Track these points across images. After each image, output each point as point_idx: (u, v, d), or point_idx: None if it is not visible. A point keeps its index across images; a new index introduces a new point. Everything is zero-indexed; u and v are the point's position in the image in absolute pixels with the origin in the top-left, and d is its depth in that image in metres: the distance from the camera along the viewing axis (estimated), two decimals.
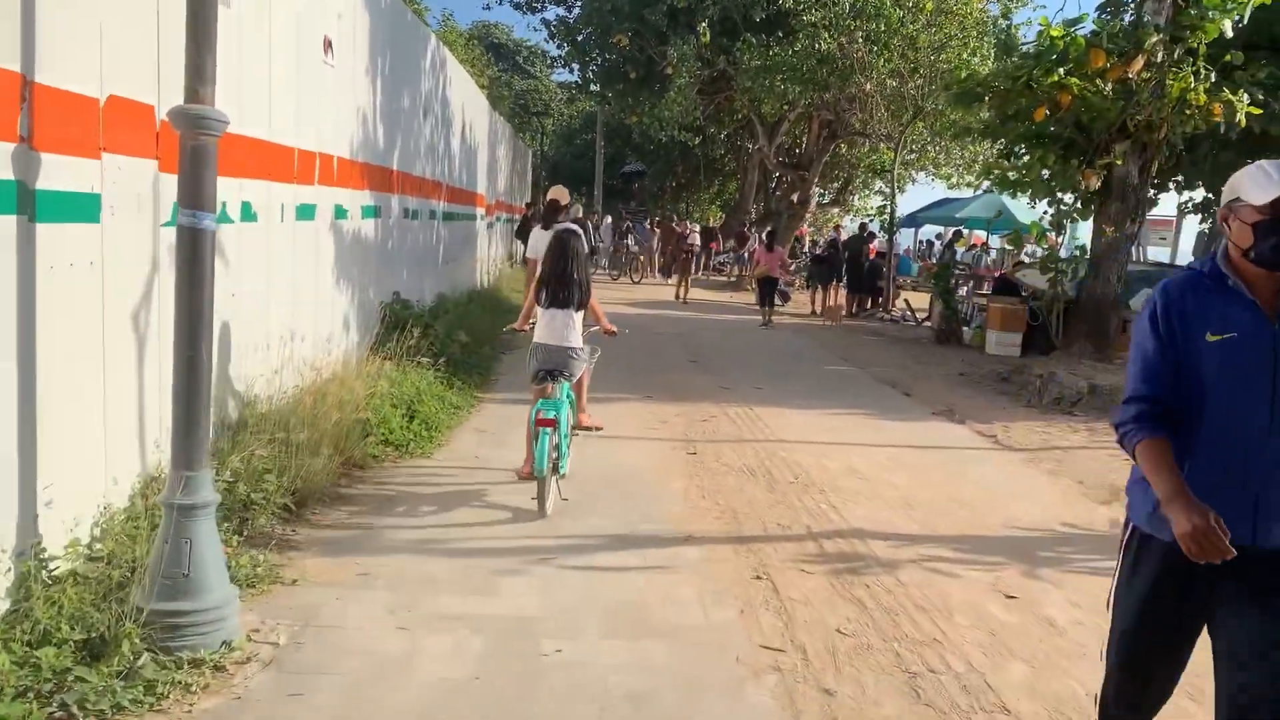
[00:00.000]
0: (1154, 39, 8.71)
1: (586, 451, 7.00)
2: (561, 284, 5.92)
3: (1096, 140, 10.05)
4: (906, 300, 19.13)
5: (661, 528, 5.38)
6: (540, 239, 7.53)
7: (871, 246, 20.47)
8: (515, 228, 25.11)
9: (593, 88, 27.42)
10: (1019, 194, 11.45)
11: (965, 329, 15.97)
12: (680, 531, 5.33)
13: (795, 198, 26.18)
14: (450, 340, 9.35)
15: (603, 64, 25.73)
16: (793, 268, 27.34)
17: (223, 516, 4.46)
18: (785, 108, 20.44)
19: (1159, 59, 8.90)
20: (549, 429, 5.44)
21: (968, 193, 32.21)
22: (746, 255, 24.92)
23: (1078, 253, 10.90)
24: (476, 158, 15.92)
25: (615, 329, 6.76)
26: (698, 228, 21.52)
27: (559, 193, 8.27)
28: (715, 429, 8.11)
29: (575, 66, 26.70)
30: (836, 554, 5.10)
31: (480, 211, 16.80)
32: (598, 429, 7.09)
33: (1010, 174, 10.81)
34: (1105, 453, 7.94)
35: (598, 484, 6.17)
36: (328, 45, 7.03)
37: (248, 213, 5.53)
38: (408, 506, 5.52)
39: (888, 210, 18.77)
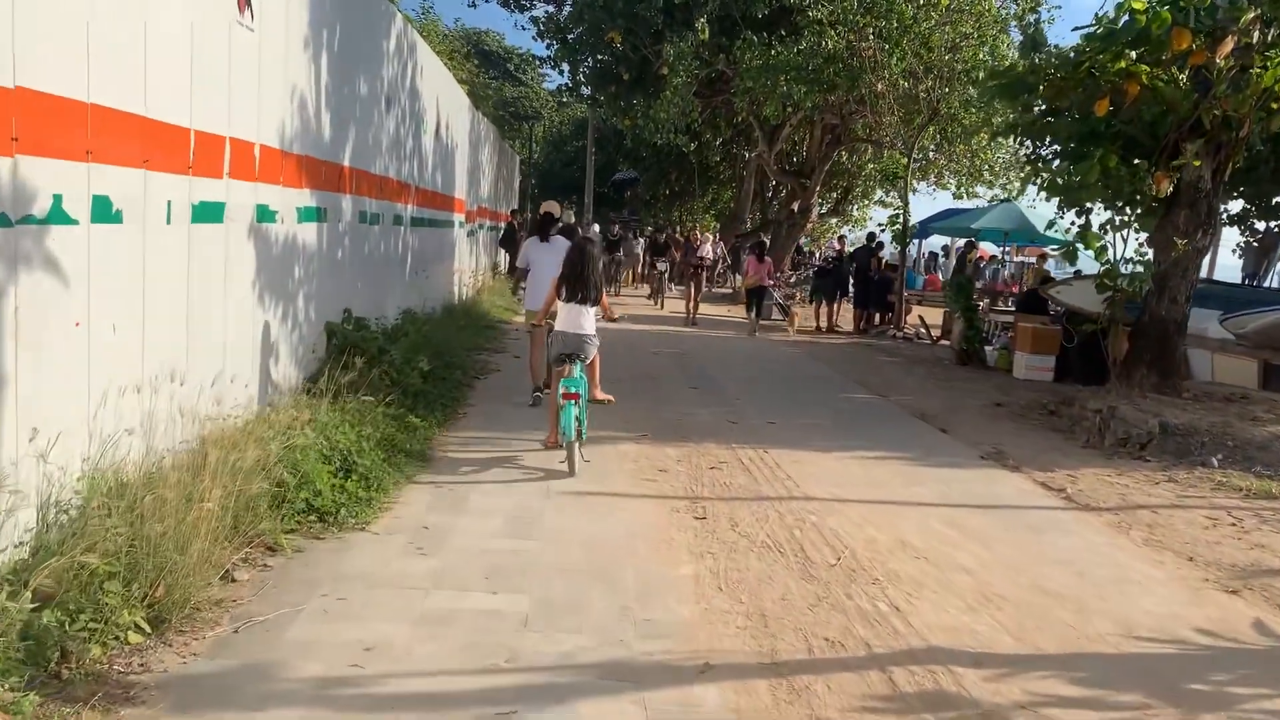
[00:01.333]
0: (1249, 16, 7.32)
1: (567, 518, 5.54)
2: (580, 283, 6.86)
3: (1164, 139, 8.65)
4: (921, 317, 17.72)
5: (667, 648, 3.91)
6: (533, 248, 8.58)
7: (879, 258, 19.07)
8: (499, 236, 23.70)
9: (583, 90, 25.97)
10: (1063, 201, 10.00)
11: (988, 349, 14.59)
12: (693, 655, 3.86)
13: (795, 207, 24.83)
14: (409, 367, 7.87)
15: (594, 65, 24.32)
16: (792, 279, 26.00)
17: (20, 659, 2.99)
18: (789, 110, 19.06)
19: (1253, 40, 7.51)
20: (573, 401, 6.48)
21: (971, 203, 31.03)
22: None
23: (1140, 268, 9.46)
24: (454, 159, 14.47)
25: (616, 315, 8.02)
26: (709, 238, 19.15)
27: (551, 206, 9.32)
28: (727, 480, 6.65)
29: (565, 67, 25.28)
30: (916, 694, 3.63)
31: (459, 218, 15.35)
32: (610, 401, 7.57)
33: (1059, 178, 9.39)
34: (1202, 514, 6.52)
35: (580, 574, 4.69)
36: (244, 2, 5.58)
37: (103, 211, 4.06)
38: (314, 624, 4.04)
39: (899, 220, 17.35)
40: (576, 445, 6.55)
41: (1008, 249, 27.59)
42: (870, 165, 29.38)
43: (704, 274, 19.22)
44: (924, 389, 11.67)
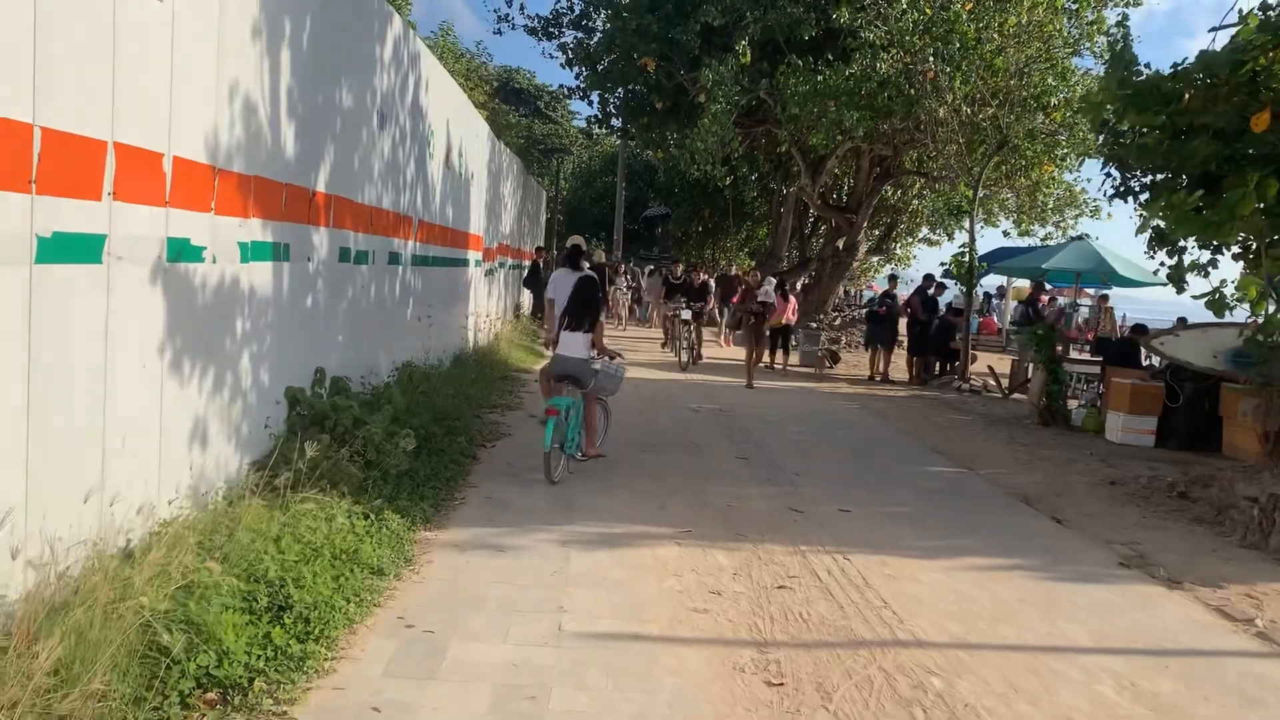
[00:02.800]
0: None
1: (586, 693, 3.84)
2: (576, 311, 7.53)
3: None
4: (990, 367, 15.88)
5: None
6: (561, 279, 8.50)
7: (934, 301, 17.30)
8: (524, 275, 22.23)
9: (614, 122, 24.55)
10: (1198, 239, 8.27)
11: (1071, 406, 12.78)
12: None
13: (840, 244, 23.16)
14: (391, 443, 6.24)
15: (625, 94, 22.91)
16: (837, 321, 24.25)
17: None
18: (838, 139, 17.46)
19: None
20: (553, 418, 7.06)
21: (1024, 241, 29.26)
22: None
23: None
24: (469, 191, 12.96)
25: (613, 352, 8.04)
26: (773, 280, 16.13)
27: (578, 239, 10.06)
28: (803, 609, 4.93)
29: (594, 98, 23.90)
30: None
31: (474, 256, 13.82)
32: (599, 456, 7.98)
33: (1189, 209, 7.65)
34: None
35: None
36: None
37: None
38: None
39: (963, 258, 15.58)
40: (562, 457, 7.38)
41: (1081, 292, 25.84)
42: (920, 201, 27.80)
43: (764, 324, 15.77)
44: (1014, 458, 9.87)
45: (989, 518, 7.25)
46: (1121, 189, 11.56)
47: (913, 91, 15.98)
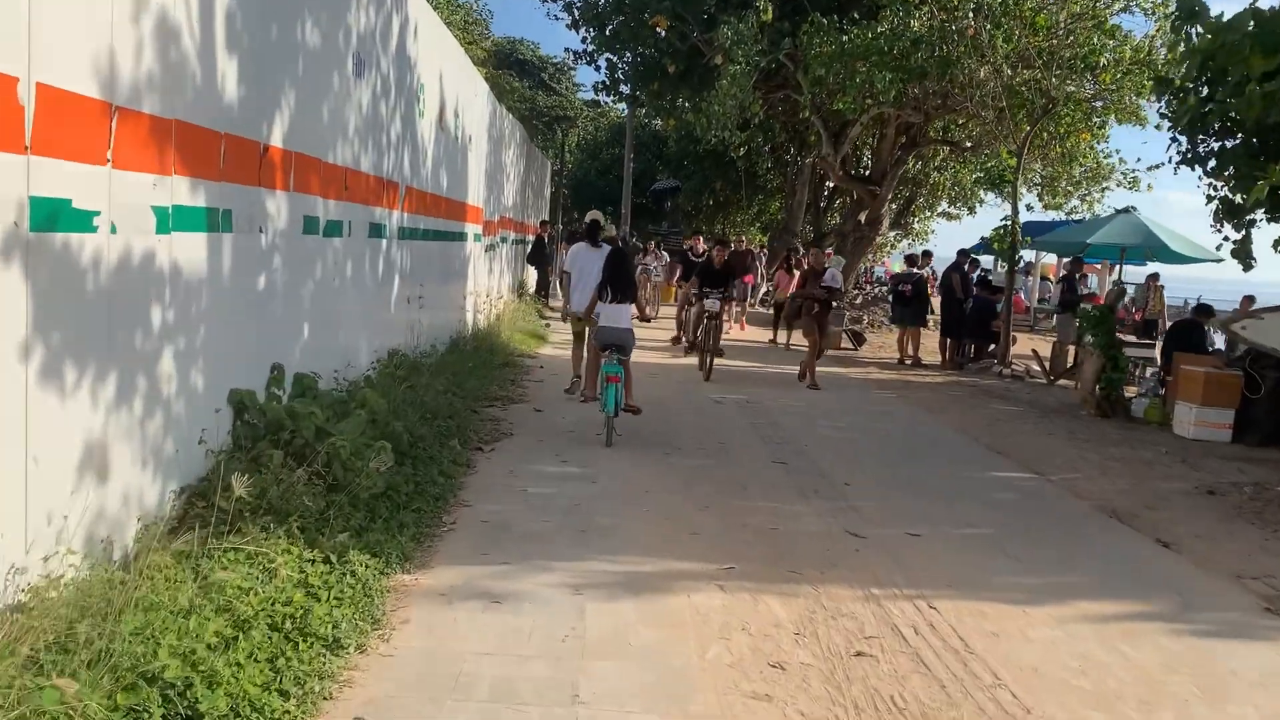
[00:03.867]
0: None
1: None
2: (619, 284, 8.00)
3: None
4: (1035, 351, 14.59)
5: None
6: (582, 254, 9.18)
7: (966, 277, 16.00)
8: (528, 250, 20.98)
9: (622, 88, 23.17)
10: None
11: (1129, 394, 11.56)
12: None
13: (862, 218, 21.84)
14: (361, 459, 5.03)
15: (635, 57, 21.55)
16: (858, 300, 22.99)
17: None
18: (868, 104, 16.13)
19: None
20: (614, 384, 7.62)
21: (1048, 215, 27.97)
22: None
23: None
24: (466, 157, 11.71)
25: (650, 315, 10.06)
26: (832, 256, 13.28)
27: (597, 214, 9.94)
28: (895, 694, 3.73)
29: (603, 62, 22.53)
30: None
31: (473, 229, 12.58)
32: (636, 411, 7.96)
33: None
34: None
35: None
36: None
37: None
38: None
39: (1004, 232, 14.22)
40: (613, 421, 7.67)
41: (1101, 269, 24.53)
42: (941, 174, 26.46)
43: (828, 313, 12.76)
44: (1083, 459, 8.66)
45: (1084, 543, 6.05)
46: (1189, 155, 10.32)
47: (949, 51, 14.65)
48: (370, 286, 7.44)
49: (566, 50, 23.74)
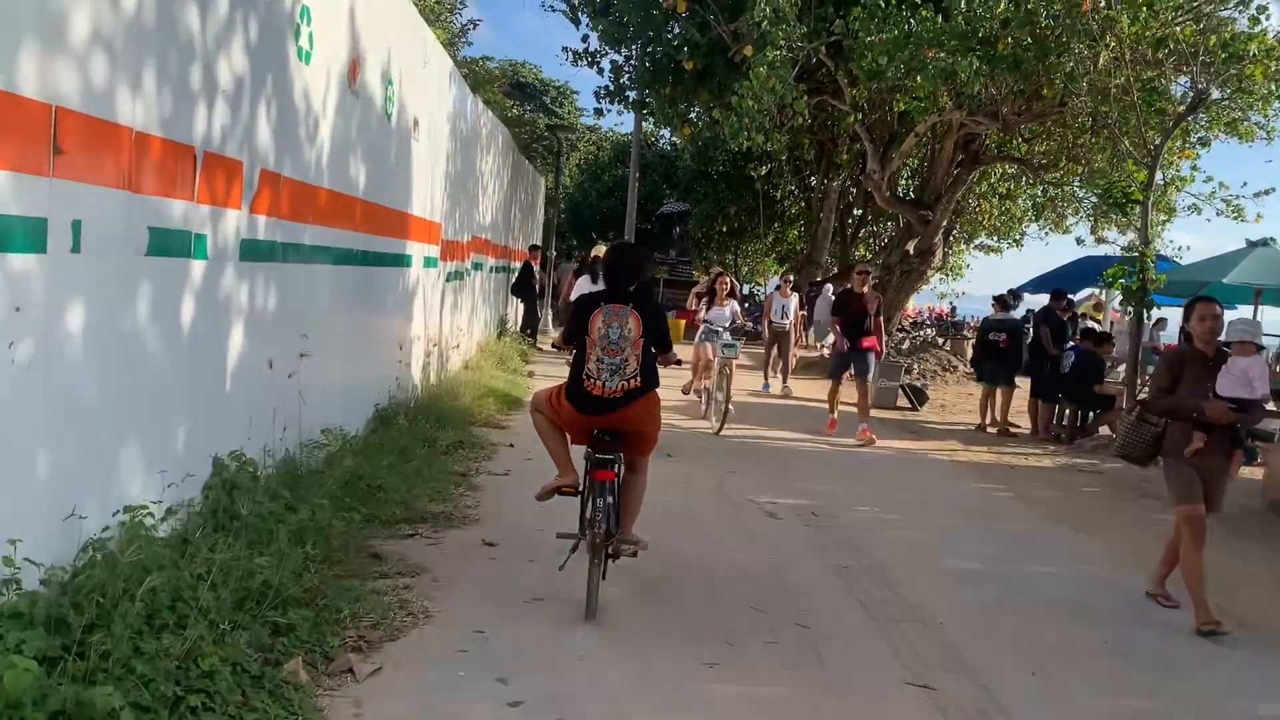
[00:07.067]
0: None
1: None
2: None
3: None
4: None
5: None
6: (586, 288, 9.54)
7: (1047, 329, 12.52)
8: (513, 279, 17.56)
9: (629, 94, 19.79)
10: None
11: None
12: None
13: (911, 247, 18.42)
14: None
15: (644, 56, 18.20)
16: (904, 344, 19.46)
17: None
18: (943, 101, 12.77)
19: None
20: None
21: (1101, 250, 24.56)
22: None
23: None
24: (409, 148, 8.25)
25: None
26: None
27: (601, 250, 9.94)
28: None
29: (606, 64, 19.21)
30: None
31: (424, 251, 9.10)
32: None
33: None
34: None
35: None
36: None
37: None
38: None
39: (1135, 266, 10.63)
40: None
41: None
42: (990, 200, 23.16)
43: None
44: None
45: None
46: None
47: (1056, 32, 11.27)
48: (152, 351, 3.91)
49: (565, 49, 20.23)
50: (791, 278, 17.19)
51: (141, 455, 3.78)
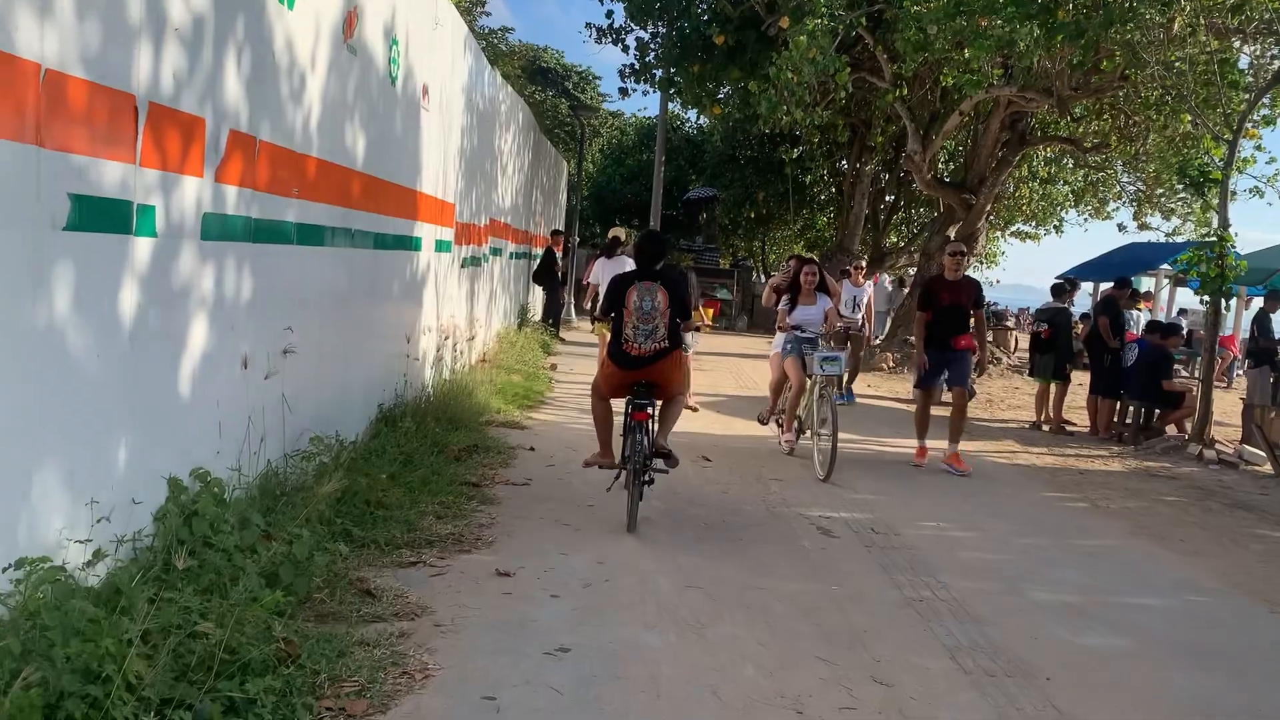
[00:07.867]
0: None
1: None
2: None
3: None
4: (1259, 427, 10.04)
5: None
6: (604, 267, 10.08)
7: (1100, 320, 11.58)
8: (535, 266, 16.77)
9: (655, 73, 18.88)
10: None
11: None
12: None
13: (953, 232, 17.49)
14: None
15: (673, 31, 17.32)
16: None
17: None
18: (997, 73, 11.83)
19: None
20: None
21: (1145, 236, 23.64)
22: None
23: None
24: (419, 120, 7.45)
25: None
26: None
27: (619, 230, 11.51)
28: None
29: (633, 37, 18.31)
30: None
31: (436, 234, 8.31)
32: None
33: None
34: None
35: None
36: None
37: None
38: None
39: (1214, 251, 9.67)
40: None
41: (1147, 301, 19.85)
42: (1030, 184, 22.22)
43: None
44: None
45: None
46: None
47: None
48: (70, 348, 3.12)
49: (588, 26, 19.33)
50: (863, 263, 14.17)
51: (61, 484, 3.00)
